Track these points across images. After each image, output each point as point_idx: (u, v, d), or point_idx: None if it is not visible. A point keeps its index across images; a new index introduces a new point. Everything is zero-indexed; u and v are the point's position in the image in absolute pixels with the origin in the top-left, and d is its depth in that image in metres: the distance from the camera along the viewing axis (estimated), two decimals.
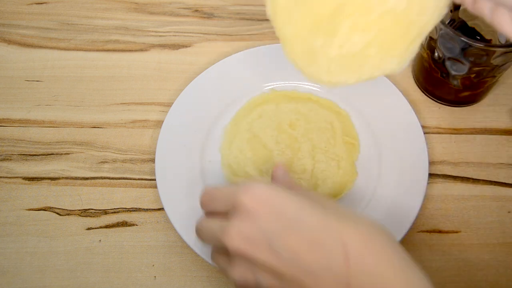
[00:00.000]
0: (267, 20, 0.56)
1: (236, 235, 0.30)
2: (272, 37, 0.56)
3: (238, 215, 0.31)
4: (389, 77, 0.51)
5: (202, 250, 0.41)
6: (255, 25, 0.57)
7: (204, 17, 0.57)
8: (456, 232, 0.44)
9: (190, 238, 0.41)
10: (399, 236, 0.41)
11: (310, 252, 0.29)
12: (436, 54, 0.45)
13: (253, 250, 0.30)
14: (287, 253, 0.29)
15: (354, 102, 0.49)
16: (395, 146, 0.46)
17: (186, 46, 0.55)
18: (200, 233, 0.35)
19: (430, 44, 0.46)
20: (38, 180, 0.47)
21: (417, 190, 0.43)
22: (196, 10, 0.58)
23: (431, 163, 0.47)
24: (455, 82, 0.47)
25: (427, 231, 0.44)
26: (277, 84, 0.51)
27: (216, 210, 0.34)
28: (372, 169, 0.46)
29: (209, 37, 0.56)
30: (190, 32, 0.56)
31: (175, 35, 0.56)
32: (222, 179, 0.46)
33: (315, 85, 0.50)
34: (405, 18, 0.32)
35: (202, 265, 0.42)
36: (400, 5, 0.31)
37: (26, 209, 0.46)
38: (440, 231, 0.44)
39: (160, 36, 0.56)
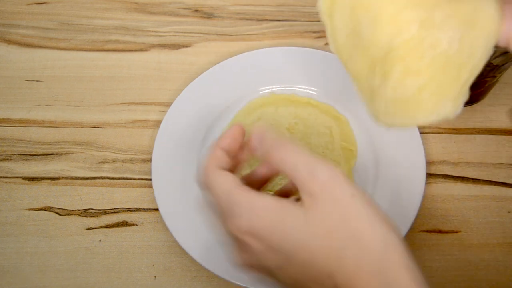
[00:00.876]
0: (267, 20, 0.57)
1: (240, 261, 0.31)
2: (272, 37, 0.56)
3: (236, 244, 0.31)
4: None
5: (198, 254, 0.41)
6: (255, 25, 0.57)
7: (204, 17, 0.57)
8: (456, 232, 0.44)
9: (186, 241, 0.41)
10: None
11: (307, 285, 0.29)
12: None
13: (259, 272, 0.31)
14: (288, 281, 0.29)
15: (353, 107, 0.49)
16: (393, 152, 0.46)
17: (186, 46, 0.55)
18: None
19: None
20: (38, 180, 0.47)
21: (416, 190, 0.43)
22: (196, 10, 0.58)
23: (431, 163, 0.47)
24: None
25: (427, 231, 0.44)
26: (276, 87, 0.51)
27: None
28: (369, 175, 0.46)
29: (209, 37, 0.56)
30: (190, 32, 0.56)
31: (175, 35, 0.56)
32: None
33: (314, 89, 0.50)
34: (456, 61, 0.31)
35: (202, 265, 0.42)
36: (453, 48, 0.30)
37: (26, 209, 0.46)
38: (440, 231, 0.44)
39: (160, 36, 0.56)
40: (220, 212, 0.31)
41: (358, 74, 0.34)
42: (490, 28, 0.31)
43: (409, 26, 0.30)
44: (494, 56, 0.42)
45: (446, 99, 0.32)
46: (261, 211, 0.29)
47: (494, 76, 0.46)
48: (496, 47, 0.31)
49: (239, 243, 0.30)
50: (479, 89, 0.48)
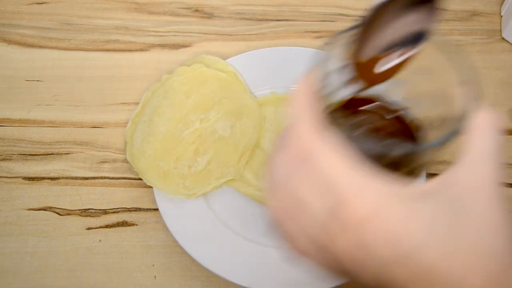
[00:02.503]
0: (267, 20, 0.57)
1: (344, 252, 0.24)
2: (272, 37, 0.56)
3: (342, 231, 0.24)
4: None
5: (198, 254, 0.41)
6: (255, 25, 0.57)
7: (204, 17, 0.57)
8: None
9: (185, 241, 0.41)
10: None
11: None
12: None
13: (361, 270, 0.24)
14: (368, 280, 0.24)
15: None
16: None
17: (186, 46, 0.55)
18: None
19: None
20: (38, 180, 0.47)
21: None
22: (196, 10, 0.58)
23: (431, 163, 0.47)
24: None
25: None
26: (277, 87, 0.51)
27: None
28: None
29: (209, 37, 0.56)
30: (190, 32, 0.56)
31: (175, 35, 0.56)
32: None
33: None
34: (232, 140, 0.46)
35: (202, 265, 0.42)
36: (226, 133, 0.46)
37: (26, 209, 0.46)
38: None
39: (160, 36, 0.56)
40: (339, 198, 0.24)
41: (150, 166, 0.44)
42: (254, 116, 0.47)
43: (194, 122, 0.46)
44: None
45: (228, 166, 0.45)
46: (386, 197, 0.24)
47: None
48: None
49: (348, 228, 0.24)
50: None
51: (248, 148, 0.46)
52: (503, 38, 0.54)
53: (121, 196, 0.46)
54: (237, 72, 0.50)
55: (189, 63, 0.50)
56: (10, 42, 0.56)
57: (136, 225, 0.45)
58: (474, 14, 0.56)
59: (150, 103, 0.48)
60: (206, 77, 0.48)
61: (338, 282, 0.40)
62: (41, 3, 0.59)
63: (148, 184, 0.44)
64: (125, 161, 0.48)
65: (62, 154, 0.49)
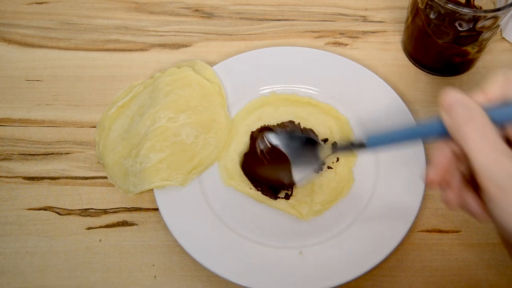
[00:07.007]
0: (267, 20, 0.57)
1: None
2: (272, 37, 0.56)
3: None
4: (389, 82, 0.51)
5: (198, 254, 0.41)
6: (255, 25, 0.57)
7: (204, 17, 0.58)
8: (456, 232, 0.44)
9: (186, 241, 0.41)
10: (400, 236, 0.41)
11: None
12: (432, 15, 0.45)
13: None
14: None
15: (354, 108, 0.49)
16: (393, 152, 0.46)
17: (186, 46, 0.55)
18: None
19: (423, 11, 0.46)
20: (38, 180, 0.47)
21: (416, 190, 0.43)
22: (196, 10, 0.58)
23: None
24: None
25: (427, 231, 0.44)
26: (277, 87, 0.51)
27: None
28: (370, 174, 0.46)
29: (209, 37, 0.56)
30: (190, 32, 0.56)
31: (175, 35, 0.56)
32: (218, 181, 0.46)
33: (314, 89, 0.50)
34: (191, 149, 0.45)
35: (202, 264, 0.42)
36: (188, 140, 0.45)
37: (26, 209, 0.46)
38: (440, 231, 0.44)
39: (160, 35, 0.56)
40: None
41: (115, 162, 0.45)
42: (222, 134, 0.46)
43: (160, 119, 0.45)
44: (478, 21, 0.42)
45: (178, 172, 0.44)
46: None
47: (476, 41, 0.46)
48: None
49: None
50: (463, 58, 0.49)
51: (202, 164, 0.45)
52: (503, 38, 0.55)
53: (121, 196, 0.46)
54: (222, 86, 0.49)
55: (179, 65, 0.50)
56: (10, 42, 0.56)
57: (136, 225, 0.45)
58: None
59: (138, 98, 0.48)
60: (190, 82, 0.48)
61: (338, 282, 0.40)
62: (41, 3, 0.59)
63: (110, 181, 0.45)
64: None
65: (62, 154, 0.49)
